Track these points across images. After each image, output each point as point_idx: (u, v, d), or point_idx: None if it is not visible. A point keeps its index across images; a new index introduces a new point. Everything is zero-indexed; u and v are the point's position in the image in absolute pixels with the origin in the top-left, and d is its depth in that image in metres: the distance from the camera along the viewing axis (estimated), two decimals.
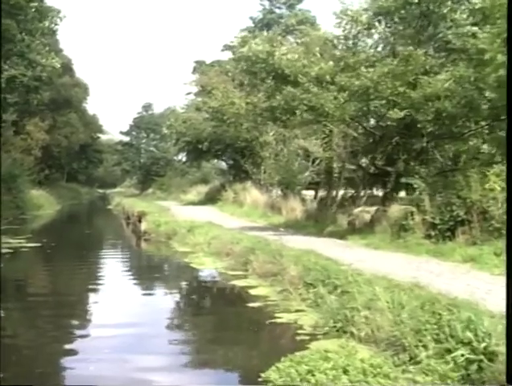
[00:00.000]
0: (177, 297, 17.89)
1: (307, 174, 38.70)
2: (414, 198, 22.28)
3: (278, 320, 12.85)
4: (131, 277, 21.30)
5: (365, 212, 26.64)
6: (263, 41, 24.40)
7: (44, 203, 59.92)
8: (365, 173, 28.78)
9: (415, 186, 21.55)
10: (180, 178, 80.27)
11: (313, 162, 38.78)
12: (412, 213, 20.92)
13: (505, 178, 14.11)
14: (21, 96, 48.18)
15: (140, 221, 35.83)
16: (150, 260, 26.52)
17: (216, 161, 63.61)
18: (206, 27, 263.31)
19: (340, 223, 26.99)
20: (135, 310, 15.01)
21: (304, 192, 40.47)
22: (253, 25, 62.35)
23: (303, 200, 34.54)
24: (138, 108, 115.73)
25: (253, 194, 39.95)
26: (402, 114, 21.63)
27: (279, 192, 40.28)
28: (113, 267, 23.41)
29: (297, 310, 13.55)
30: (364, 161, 29.62)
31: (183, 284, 20.10)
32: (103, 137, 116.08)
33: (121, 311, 14.83)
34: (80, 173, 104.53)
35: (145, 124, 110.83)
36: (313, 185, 40.98)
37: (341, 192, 34.02)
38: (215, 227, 28.61)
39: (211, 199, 51.60)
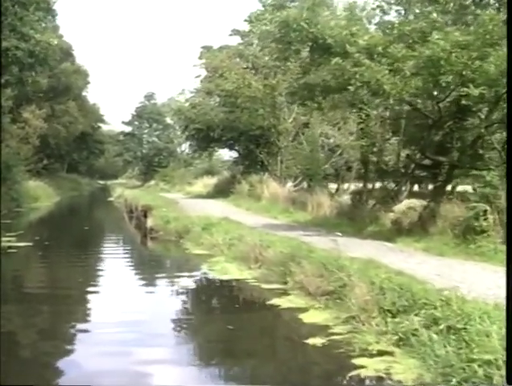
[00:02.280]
0: (202, 327, 13.25)
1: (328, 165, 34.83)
2: (481, 193, 18.33)
3: (362, 371, 8.83)
4: (140, 290, 17.17)
5: (411, 209, 22.76)
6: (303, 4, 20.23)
7: (42, 195, 56.54)
8: (412, 164, 24.70)
9: (488, 178, 17.56)
10: (184, 170, 76.67)
11: (336, 152, 34.99)
12: (485, 212, 16.99)
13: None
14: (15, 75, 44.38)
15: (145, 216, 31.94)
16: (160, 266, 22.26)
17: (223, 151, 59.68)
18: (210, 14, 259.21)
19: (382, 221, 23.03)
20: (151, 345, 10.97)
21: None
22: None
23: (331, 194, 30.45)
24: (141, 98, 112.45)
25: (271, 187, 35.94)
26: (477, 92, 17.47)
27: (301, 185, 36.32)
28: (116, 276, 19.25)
29: (381, 353, 9.55)
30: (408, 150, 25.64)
31: (207, 302, 15.94)
32: (104, 128, 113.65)
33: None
34: (80, 163, 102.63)
35: (147, 114, 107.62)
36: (333, 177, 37.16)
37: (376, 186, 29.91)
38: (233, 224, 24.91)
39: (221, 191, 47.65)
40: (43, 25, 42.71)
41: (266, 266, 16.90)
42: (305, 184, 36.70)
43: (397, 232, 21.50)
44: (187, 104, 50.79)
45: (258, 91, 36.74)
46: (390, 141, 26.68)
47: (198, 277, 18.43)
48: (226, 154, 64.82)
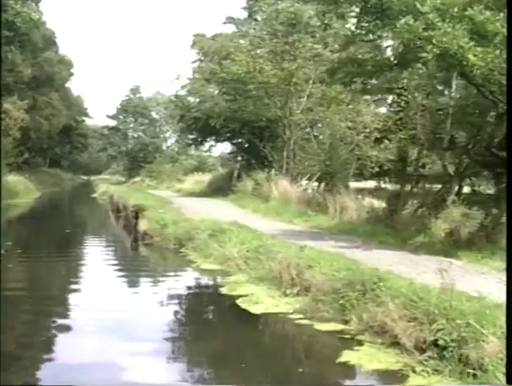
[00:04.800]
0: None
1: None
2: None
3: None
4: (136, 327, 12.48)
5: (467, 217, 18.60)
6: None
7: (22, 191, 53.26)
8: (469, 160, 20.28)
9: None
10: (172, 165, 73.02)
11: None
12: None
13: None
14: None
15: (137, 217, 27.53)
16: (161, 284, 17.03)
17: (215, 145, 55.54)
18: (198, 4, 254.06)
19: (432, 231, 18.77)
20: None
21: None
22: None
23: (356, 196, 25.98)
24: (126, 91, 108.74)
25: (281, 186, 31.50)
26: None
27: (316, 184, 32.04)
28: (104, 300, 14.60)
29: None
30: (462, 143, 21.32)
31: (250, 359, 10.15)
32: (88, 121, 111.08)
33: None
34: (63, 158, 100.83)
35: (133, 107, 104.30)
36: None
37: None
38: (245, 230, 20.62)
39: (217, 189, 43.44)
40: None
41: (310, 294, 12.56)
42: (317, 183, 32.35)
43: (454, 244, 17.38)
44: (184, 92, 46.32)
45: (273, 76, 32.28)
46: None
47: (217, 308, 13.90)
48: (217, 150, 60.77)
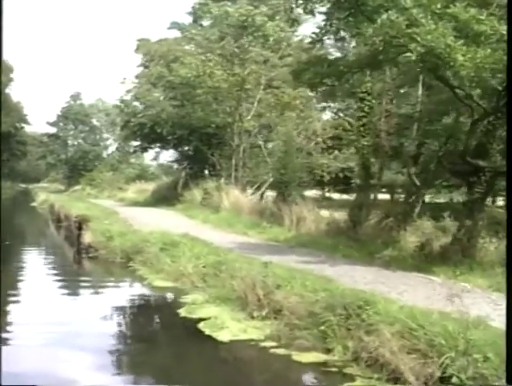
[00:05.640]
0: None
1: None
2: None
3: None
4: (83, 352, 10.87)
5: (438, 229, 17.56)
6: None
7: None
8: (439, 169, 19.09)
9: None
10: (113, 174, 71.24)
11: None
12: None
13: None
14: None
15: (80, 228, 25.78)
16: (107, 308, 14.29)
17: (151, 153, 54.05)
18: (140, 10, 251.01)
19: (401, 244, 17.59)
20: None
21: None
22: None
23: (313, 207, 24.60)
24: (67, 98, 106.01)
25: (232, 195, 30.04)
26: None
27: (269, 194, 30.73)
28: (41, 318, 12.99)
29: None
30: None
31: None
32: (27, 128, 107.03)
33: None
34: (1, 166, 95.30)
35: (73, 114, 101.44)
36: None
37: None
38: (198, 243, 19.24)
39: (162, 199, 41.84)
40: None
41: (281, 316, 11.17)
42: (271, 193, 31.03)
43: (426, 258, 16.26)
44: (129, 96, 44.51)
45: (224, 81, 30.91)
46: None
47: (178, 336, 12.01)
48: (160, 157, 59.28)
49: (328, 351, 9.53)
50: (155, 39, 48.87)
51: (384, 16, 12.51)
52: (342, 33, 15.69)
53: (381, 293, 11.30)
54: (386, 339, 8.46)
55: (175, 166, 51.22)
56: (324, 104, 40.61)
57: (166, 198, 40.95)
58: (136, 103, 42.85)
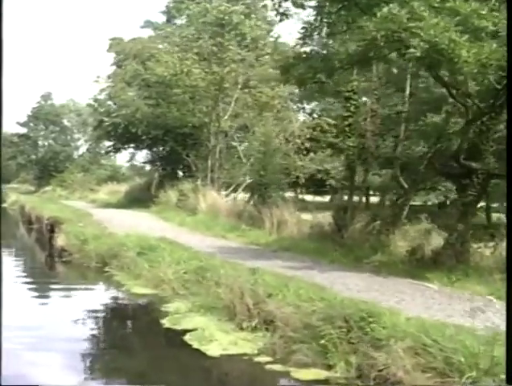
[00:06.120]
0: None
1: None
2: None
3: None
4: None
5: (428, 233, 16.90)
6: None
7: None
8: (429, 171, 18.36)
9: None
10: (84, 175, 70.81)
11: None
12: None
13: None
14: None
15: (52, 231, 24.91)
16: (83, 318, 13.31)
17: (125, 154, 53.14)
18: (111, 9, 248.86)
19: (391, 249, 16.90)
20: None
21: None
22: None
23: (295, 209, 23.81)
24: (37, 98, 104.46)
25: (209, 197, 29.19)
26: None
27: (247, 196, 29.94)
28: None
29: None
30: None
31: None
32: None
33: None
34: None
35: (44, 115, 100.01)
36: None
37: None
38: (179, 247, 18.41)
39: (135, 200, 40.83)
40: None
41: (273, 328, 10.40)
42: (249, 195, 30.22)
43: (418, 264, 15.55)
44: (103, 96, 43.51)
45: (202, 80, 30.10)
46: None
47: (163, 350, 11.01)
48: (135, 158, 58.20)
49: (330, 367, 8.77)
50: (128, 38, 47.91)
51: (385, 9, 11.76)
52: (331, 29, 14.93)
53: (379, 301, 10.58)
54: (397, 356, 7.70)
55: (148, 167, 50.39)
56: (299, 104, 40.18)
57: (139, 199, 39.91)
58: (110, 102, 41.88)
